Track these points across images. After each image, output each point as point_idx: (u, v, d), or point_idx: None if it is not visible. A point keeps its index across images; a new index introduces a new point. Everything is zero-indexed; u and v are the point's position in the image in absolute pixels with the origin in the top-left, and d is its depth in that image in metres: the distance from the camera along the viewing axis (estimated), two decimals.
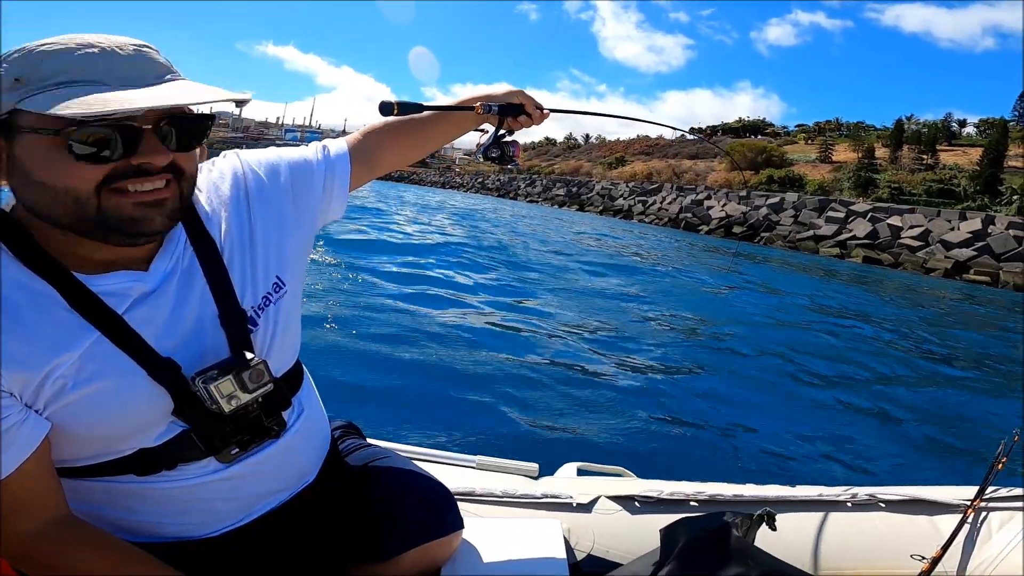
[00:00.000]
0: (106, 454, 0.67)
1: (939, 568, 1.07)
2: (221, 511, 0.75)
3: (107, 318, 0.63)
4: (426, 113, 0.94)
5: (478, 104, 0.95)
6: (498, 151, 0.99)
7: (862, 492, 1.19)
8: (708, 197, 35.29)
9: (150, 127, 0.60)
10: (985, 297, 15.61)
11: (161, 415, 0.67)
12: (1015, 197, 27.94)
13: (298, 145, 0.90)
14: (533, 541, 1.05)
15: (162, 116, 0.60)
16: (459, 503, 0.99)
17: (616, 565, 1.15)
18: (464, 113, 0.97)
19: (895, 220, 26.12)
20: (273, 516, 0.80)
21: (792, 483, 1.27)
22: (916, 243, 24.40)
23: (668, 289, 8.59)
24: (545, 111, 1.01)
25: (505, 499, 1.17)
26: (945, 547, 1.09)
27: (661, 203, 37.58)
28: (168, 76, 0.62)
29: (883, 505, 1.17)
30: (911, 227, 25.39)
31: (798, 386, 4.18)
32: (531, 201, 47.70)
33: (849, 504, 1.18)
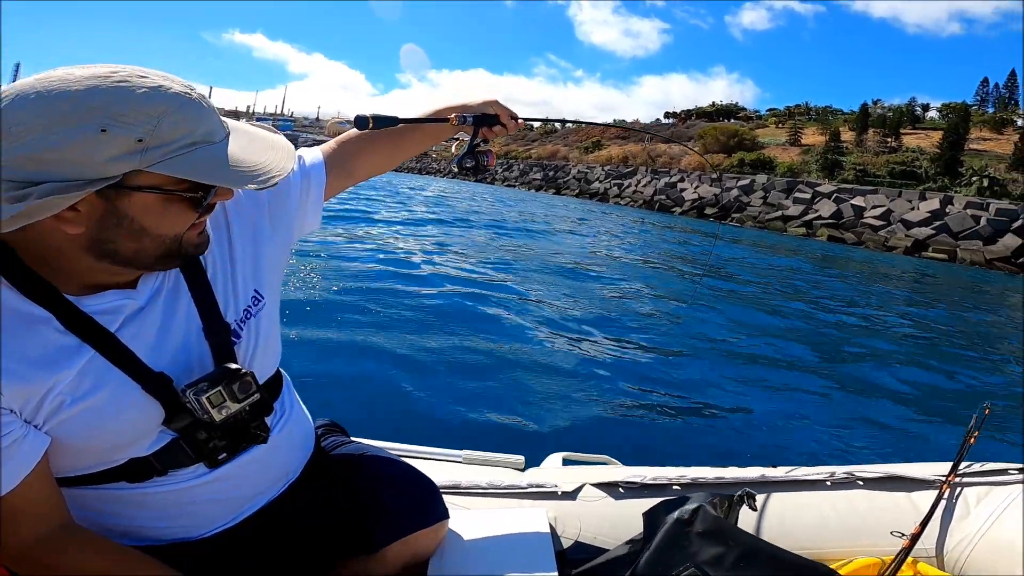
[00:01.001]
0: (100, 464, 0.68)
1: (919, 544, 1.07)
2: (210, 512, 0.76)
3: (100, 336, 0.64)
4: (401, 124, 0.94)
5: (453, 116, 0.94)
6: (472, 161, 0.99)
7: (840, 471, 1.18)
8: (681, 180, 35.61)
9: None
10: (944, 275, 16.12)
11: (153, 426, 0.68)
12: (974, 178, 28.84)
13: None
14: (519, 530, 1.02)
15: None
16: (445, 496, 0.97)
17: (603, 551, 1.13)
18: (439, 123, 0.96)
19: (858, 200, 26.76)
20: (261, 515, 0.81)
21: (773, 464, 1.26)
22: (878, 222, 25.07)
23: (646, 276, 8.51)
24: (520, 121, 1.01)
25: (491, 491, 1.15)
26: (923, 523, 1.08)
27: (636, 186, 37.81)
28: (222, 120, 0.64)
29: (861, 483, 1.17)
30: (874, 207, 26.06)
31: (774, 369, 4.19)
32: (508, 185, 47.50)
33: (828, 483, 1.17)
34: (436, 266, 6.85)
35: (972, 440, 1.21)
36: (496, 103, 0.98)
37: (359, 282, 5.36)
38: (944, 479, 1.13)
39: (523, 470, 1.29)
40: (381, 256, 7.03)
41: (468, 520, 1.02)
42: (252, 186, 0.60)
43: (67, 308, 0.63)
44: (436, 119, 0.95)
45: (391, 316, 4.33)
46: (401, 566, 0.89)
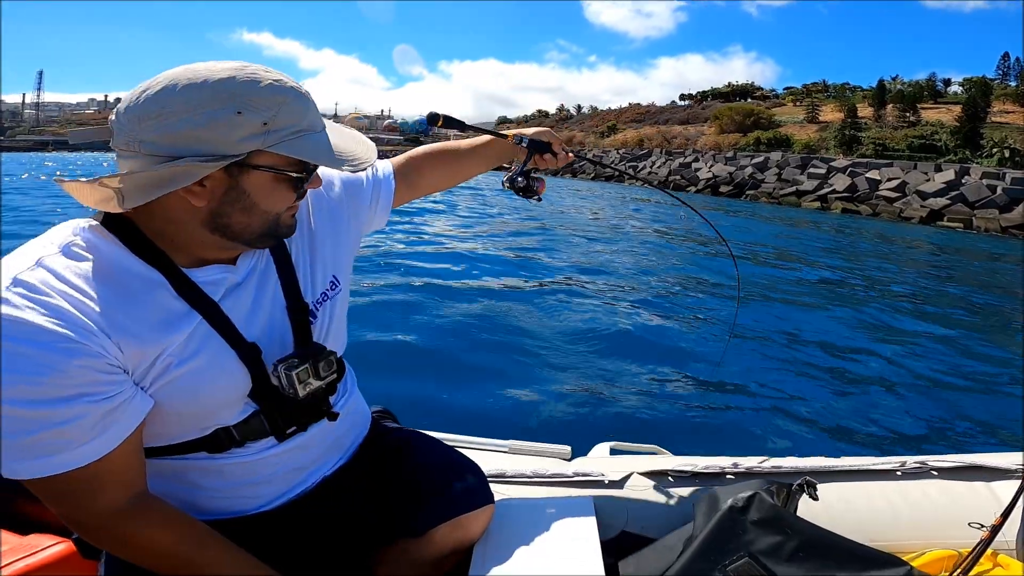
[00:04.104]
0: (190, 433, 0.69)
1: (1000, 536, 0.93)
2: (271, 485, 0.77)
3: (207, 304, 0.67)
4: (464, 147, 1.01)
5: (511, 134, 1.01)
6: (524, 181, 1.00)
7: (912, 460, 1.04)
8: (696, 159, 34.60)
9: None
10: (962, 245, 15.20)
11: (241, 395, 0.70)
12: (995, 150, 27.28)
13: None
14: (565, 518, 0.95)
15: None
16: (491, 484, 0.92)
17: (650, 540, 1.03)
18: (495, 147, 1.03)
19: (874, 174, 25.64)
20: (313, 493, 0.81)
21: (835, 456, 1.12)
22: (893, 194, 24.02)
23: (694, 261, 8.03)
24: (570, 153, 1.05)
25: (536, 479, 1.07)
26: (1005, 514, 0.94)
27: (651, 167, 36.89)
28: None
29: (935, 473, 1.03)
30: (889, 180, 24.94)
31: (829, 357, 3.83)
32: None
33: (899, 473, 1.03)
34: (483, 260, 6.65)
35: None
36: (550, 132, 1.03)
37: (410, 276, 5.26)
38: None
39: (569, 460, 1.20)
40: (432, 250, 6.89)
41: (513, 506, 0.95)
42: (347, 168, 0.65)
43: (179, 276, 0.65)
44: (498, 133, 1.01)
45: (442, 309, 4.21)
46: (446, 549, 0.85)
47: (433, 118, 0.93)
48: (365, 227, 0.92)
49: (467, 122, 0.98)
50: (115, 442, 0.60)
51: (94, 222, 0.65)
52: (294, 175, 0.65)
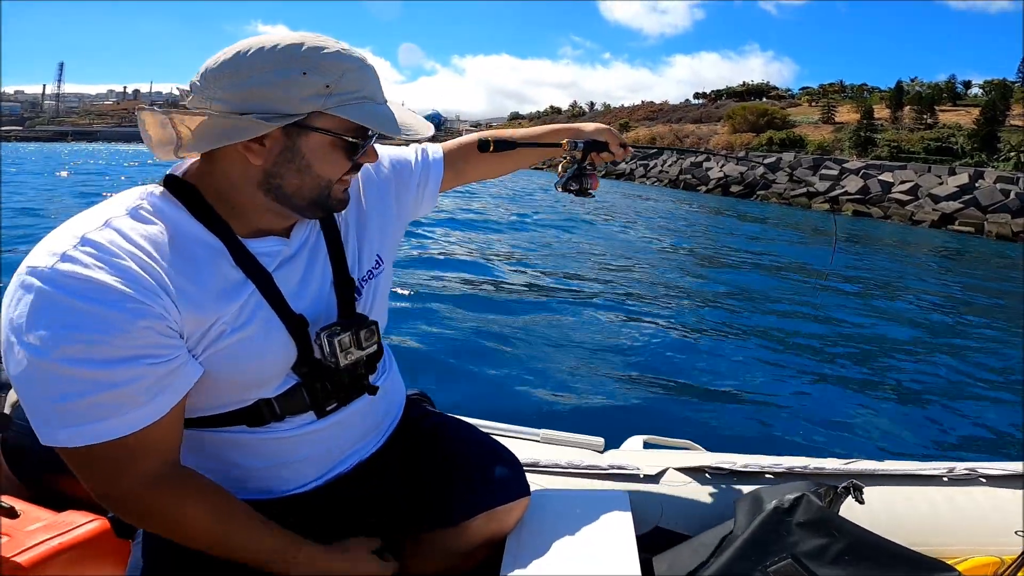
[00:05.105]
0: (231, 404, 0.68)
1: None
2: (309, 465, 0.76)
3: (262, 275, 0.67)
4: (516, 138, 0.99)
5: (565, 141, 0.98)
6: (577, 185, 0.98)
7: (960, 467, 1.00)
8: (707, 159, 34.20)
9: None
10: (978, 249, 14.84)
11: (285, 366, 0.70)
12: (1012, 153, 26.71)
13: None
14: (599, 511, 0.92)
15: None
16: (525, 474, 0.89)
17: (684, 537, 1.00)
18: (546, 140, 1.00)
19: (887, 176, 25.27)
20: (349, 475, 0.80)
21: (877, 459, 1.07)
22: (906, 197, 23.65)
23: (734, 262, 7.89)
24: (628, 148, 1.02)
25: (571, 470, 1.05)
26: None
27: (662, 166, 36.54)
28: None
29: (984, 480, 0.99)
30: (902, 182, 24.55)
31: (877, 359, 3.73)
32: (536, 168, 46.62)
33: (946, 479, 1.00)
34: (517, 252, 6.60)
35: None
36: (609, 131, 1.00)
37: (445, 266, 5.23)
38: None
39: (602, 452, 1.17)
40: (465, 243, 6.84)
41: (548, 497, 0.93)
42: (403, 138, 0.66)
43: (237, 245, 0.66)
44: (550, 144, 0.98)
45: (475, 297, 4.21)
46: (480, 540, 0.84)
47: (484, 145, 0.94)
48: (411, 209, 0.92)
49: (482, 120, 0.97)
50: (165, 409, 0.59)
51: (161, 188, 0.66)
52: (350, 140, 0.65)
